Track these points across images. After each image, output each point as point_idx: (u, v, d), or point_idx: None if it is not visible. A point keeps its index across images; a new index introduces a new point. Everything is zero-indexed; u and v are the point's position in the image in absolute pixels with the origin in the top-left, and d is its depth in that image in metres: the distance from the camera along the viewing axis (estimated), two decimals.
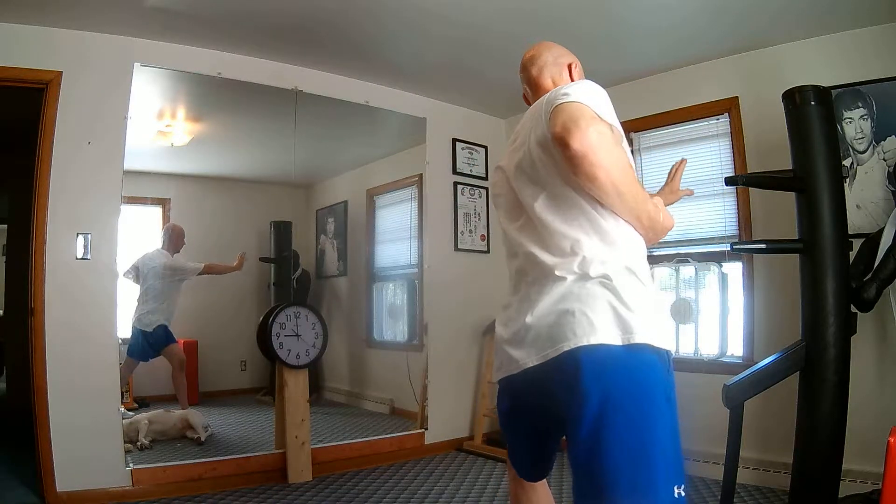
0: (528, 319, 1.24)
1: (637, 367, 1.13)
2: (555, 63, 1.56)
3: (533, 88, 1.57)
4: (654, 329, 1.16)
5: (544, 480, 1.54)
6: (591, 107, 1.16)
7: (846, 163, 2.84)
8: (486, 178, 4.21)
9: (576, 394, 1.12)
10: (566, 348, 1.15)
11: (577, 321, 1.15)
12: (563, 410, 1.17)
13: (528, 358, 1.23)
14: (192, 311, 3.77)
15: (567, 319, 1.16)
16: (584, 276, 1.20)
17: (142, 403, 3.59)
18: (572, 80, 1.51)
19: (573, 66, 1.56)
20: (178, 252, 3.65)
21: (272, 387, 3.54)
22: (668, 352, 1.18)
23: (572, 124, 1.11)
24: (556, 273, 1.22)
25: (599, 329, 1.14)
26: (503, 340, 1.34)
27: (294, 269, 3.86)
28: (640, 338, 1.13)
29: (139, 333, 3.51)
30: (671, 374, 1.18)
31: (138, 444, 3.15)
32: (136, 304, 3.53)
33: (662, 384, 1.15)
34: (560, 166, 1.23)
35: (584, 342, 1.13)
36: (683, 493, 1.11)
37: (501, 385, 1.40)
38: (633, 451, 1.09)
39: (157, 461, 2.99)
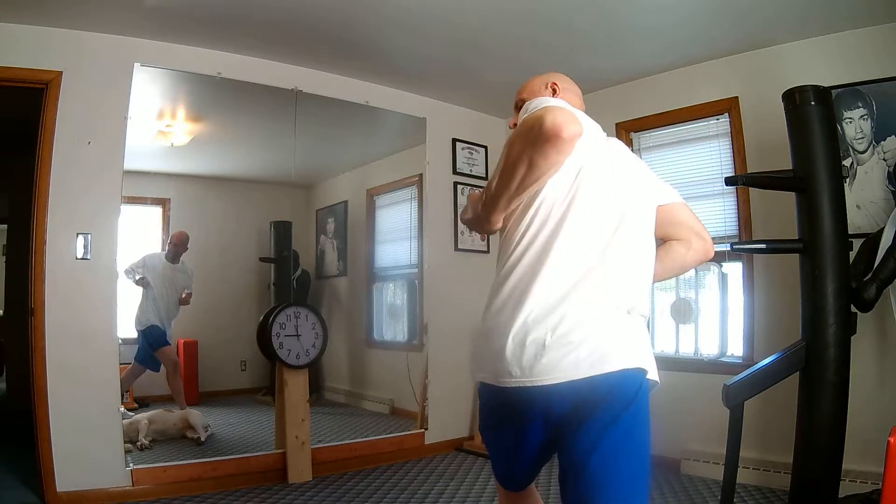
0: (550, 337, 1.18)
1: (645, 398, 1.25)
2: (531, 92, 1.60)
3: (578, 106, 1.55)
4: (651, 365, 1.28)
5: (532, 486, 1.51)
6: None
7: (846, 163, 2.84)
8: (486, 178, 4.21)
9: (606, 409, 1.18)
10: (610, 369, 1.18)
11: (620, 345, 1.21)
12: (582, 425, 1.18)
13: (559, 372, 1.17)
14: (192, 311, 3.76)
15: (609, 340, 1.21)
16: (625, 312, 1.27)
17: (142, 403, 3.59)
18: None
19: (556, 87, 1.61)
20: (178, 260, 3.65)
21: (272, 387, 3.54)
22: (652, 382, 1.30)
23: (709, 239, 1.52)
24: (607, 304, 1.23)
25: (643, 355, 1.25)
26: (512, 348, 1.20)
27: (294, 269, 3.86)
28: (654, 375, 1.28)
29: (139, 334, 3.51)
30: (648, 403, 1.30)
31: (138, 444, 3.15)
32: (144, 312, 3.55)
33: (645, 413, 1.27)
34: (648, 223, 1.38)
35: (629, 365, 1.20)
36: None
37: (492, 393, 1.28)
38: (635, 476, 1.24)
39: (157, 461, 2.99)
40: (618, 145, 1.41)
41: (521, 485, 1.46)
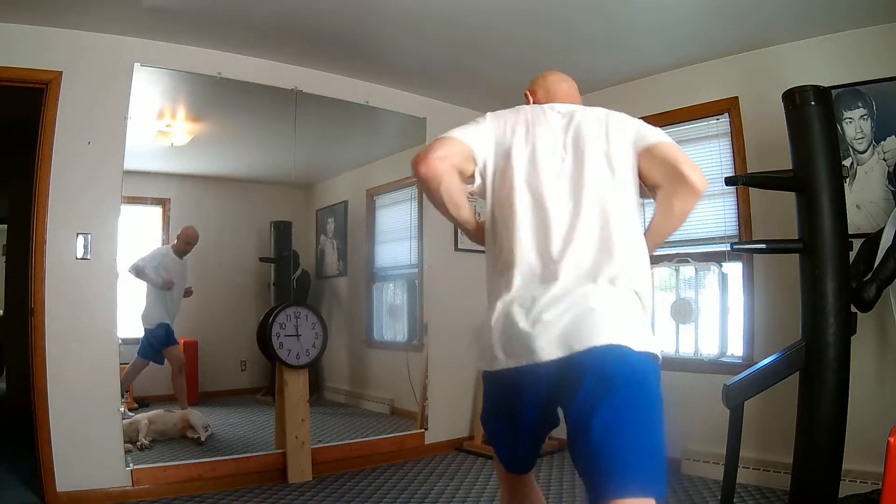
0: (548, 315, 1.22)
1: (651, 372, 1.21)
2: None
3: (561, 95, 1.60)
4: (657, 345, 1.26)
5: (533, 480, 1.53)
6: None
7: (846, 163, 2.84)
8: None
9: (600, 387, 1.15)
10: (596, 344, 1.18)
11: (608, 321, 1.21)
12: (577, 403, 1.17)
13: (547, 351, 1.20)
14: (192, 311, 3.76)
15: (597, 317, 1.21)
16: (614, 284, 1.27)
17: (142, 403, 3.59)
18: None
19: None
20: (184, 254, 3.65)
21: (272, 387, 3.54)
22: (657, 357, 1.26)
23: (697, 173, 1.33)
24: (591, 276, 1.27)
25: (630, 332, 1.21)
26: (510, 331, 1.26)
27: (294, 269, 3.86)
28: (654, 348, 1.24)
29: (146, 332, 3.52)
30: (658, 377, 1.26)
31: (138, 444, 3.15)
32: (152, 306, 3.55)
33: (655, 389, 1.22)
34: (628, 183, 1.36)
35: (615, 341, 1.18)
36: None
37: (496, 376, 1.33)
38: (646, 451, 1.15)
39: (157, 461, 2.99)
40: (584, 113, 1.44)
41: (519, 463, 1.47)
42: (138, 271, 3.43)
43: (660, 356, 1.25)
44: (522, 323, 1.24)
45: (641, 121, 1.44)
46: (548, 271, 1.29)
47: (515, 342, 1.24)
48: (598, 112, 1.45)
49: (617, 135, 1.38)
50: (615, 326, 1.19)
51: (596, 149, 1.37)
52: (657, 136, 1.39)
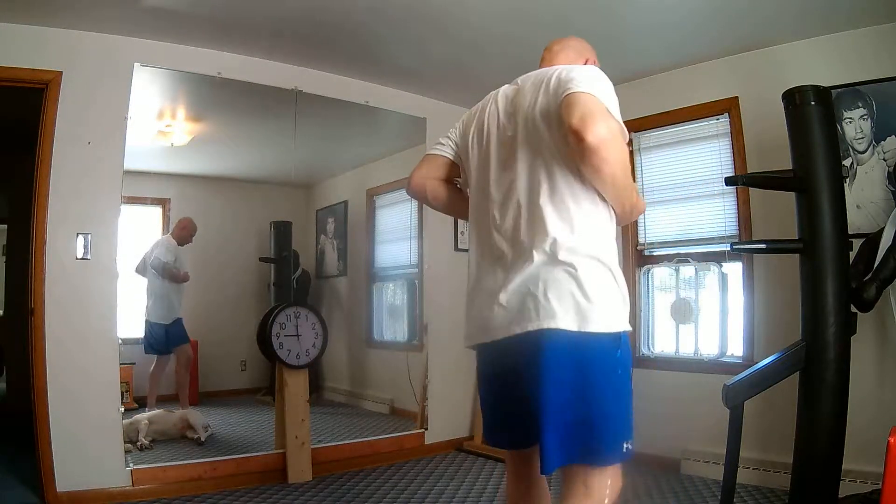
0: (502, 296, 1.33)
1: (592, 351, 1.26)
2: (576, 51, 1.63)
3: (544, 63, 1.59)
4: (610, 318, 1.27)
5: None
6: (602, 101, 1.24)
7: (846, 163, 2.84)
8: None
9: (535, 371, 1.26)
10: (529, 328, 1.27)
11: (541, 304, 1.26)
12: (525, 384, 1.29)
13: (498, 331, 1.34)
14: (192, 311, 3.76)
15: (532, 301, 1.28)
16: (552, 260, 1.28)
17: (142, 403, 3.59)
18: None
19: (589, 62, 1.61)
20: (184, 242, 3.66)
21: (272, 387, 3.54)
22: (622, 333, 1.30)
23: (589, 118, 1.18)
24: (530, 252, 1.31)
25: (559, 314, 1.25)
26: (481, 308, 1.40)
27: (294, 269, 3.86)
28: (595, 326, 1.25)
29: (157, 327, 3.52)
30: (624, 350, 1.31)
31: (138, 444, 3.15)
32: (149, 297, 3.55)
33: (613, 361, 1.29)
34: (560, 147, 1.30)
35: (545, 325, 1.25)
36: (630, 447, 1.31)
37: (476, 351, 1.49)
38: (586, 423, 1.26)
39: (157, 461, 2.99)
40: (530, 79, 1.43)
41: (509, 437, 1.50)
42: (163, 267, 3.46)
43: (604, 329, 1.26)
44: (479, 308, 1.40)
45: (581, 70, 1.35)
46: (493, 256, 1.40)
47: (476, 322, 1.41)
48: (544, 73, 1.40)
49: (545, 95, 1.33)
50: (545, 311, 1.25)
51: (526, 117, 1.37)
52: (574, 85, 1.26)
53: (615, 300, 1.29)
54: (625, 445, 1.30)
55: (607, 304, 1.27)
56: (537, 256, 1.29)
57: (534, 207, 1.32)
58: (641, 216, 3.60)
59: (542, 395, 1.25)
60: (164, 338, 3.55)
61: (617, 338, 1.28)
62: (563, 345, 1.25)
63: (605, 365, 1.28)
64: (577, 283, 1.26)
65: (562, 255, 1.27)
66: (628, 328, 1.31)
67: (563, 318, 1.24)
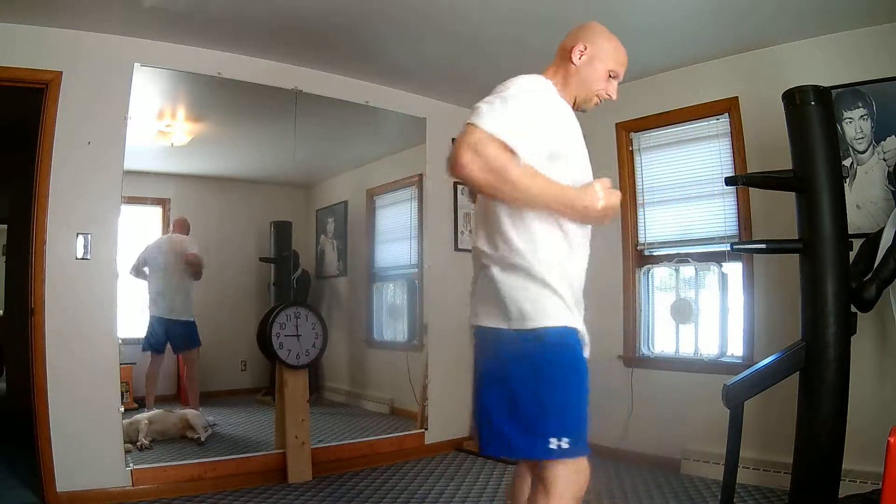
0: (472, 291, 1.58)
1: (520, 347, 1.40)
2: (561, 48, 1.63)
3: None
4: (538, 318, 1.40)
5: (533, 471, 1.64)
6: (479, 122, 1.33)
7: (846, 163, 2.84)
8: None
9: (477, 359, 1.51)
10: (473, 323, 1.52)
11: (483, 304, 1.48)
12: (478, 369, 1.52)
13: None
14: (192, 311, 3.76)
15: (476, 300, 1.52)
16: (497, 266, 1.46)
17: (142, 403, 3.59)
18: (572, 64, 1.57)
19: (575, 51, 1.58)
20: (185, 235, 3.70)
21: (272, 387, 3.54)
22: (547, 330, 1.40)
23: (452, 154, 1.32)
24: (483, 261, 1.51)
25: (494, 315, 1.45)
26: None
27: (294, 269, 3.85)
28: (517, 324, 1.41)
29: (166, 322, 3.54)
30: (555, 346, 1.41)
31: (138, 444, 3.15)
32: (159, 293, 3.57)
33: (538, 357, 1.40)
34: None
35: (482, 323, 1.48)
36: (567, 445, 1.37)
37: None
38: (515, 411, 1.40)
39: (157, 461, 2.99)
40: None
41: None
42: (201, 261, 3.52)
43: (537, 327, 1.40)
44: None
45: (493, 92, 1.45)
46: (475, 258, 1.58)
47: None
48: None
49: None
50: (487, 310, 1.46)
51: None
52: (470, 116, 1.38)
53: (542, 305, 1.41)
54: (553, 442, 1.36)
55: (535, 309, 1.41)
56: (485, 262, 1.54)
57: (489, 218, 1.53)
58: (641, 216, 3.62)
59: (482, 383, 1.58)
60: (164, 336, 3.55)
61: (541, 335, 1.40)
62: (497, 339, 1.46)
63: (527, 359, 1.41)
64: (510, 288, 1.43)
65: (489, 260, 1.50)
66: (549, 324, 1.40)
67: (498, 317, 1.45)
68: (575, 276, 1.48)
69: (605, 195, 1.39)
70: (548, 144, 1.40)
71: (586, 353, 1.47)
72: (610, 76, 1.60)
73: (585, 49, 1.58)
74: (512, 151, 1.30)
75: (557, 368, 1.40)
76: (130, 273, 3.30)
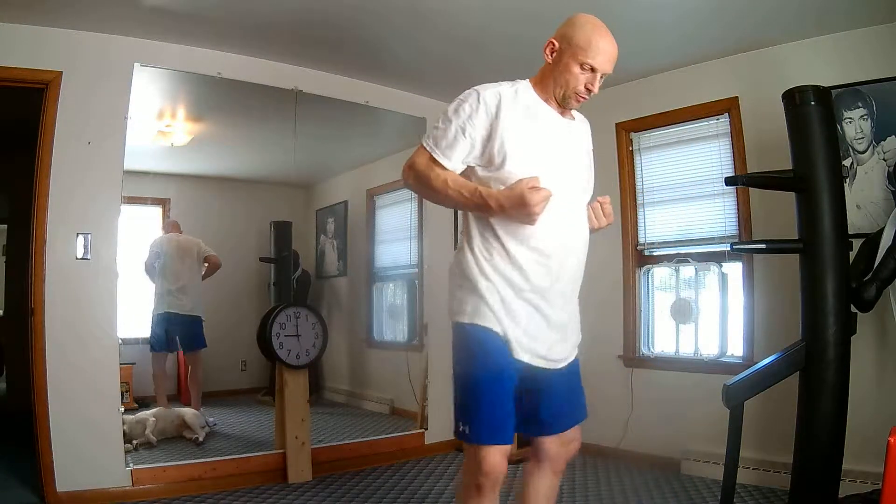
0: None
1: (455, 338, 1.60)
2: (546, 52, 1.66)
3: None
4: (458, 314, 1.58)
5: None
6: (422, 142, 1.55)
7: (846, 163, 2.84)
8: None
9: None
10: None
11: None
12: None
13: None
14: None
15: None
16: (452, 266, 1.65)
17: (142, 403, 3.58)
18: (547, 62, 1.63)
19: (546, 48, 1.63)
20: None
21: (272, 387, 3.54)
22: (463, 324, 1.56)
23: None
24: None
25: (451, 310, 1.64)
26: None
27: (294, 269, 3.85)
28: (451, 317, 1.61)
29: (175, 318, 3.55)
30: (469, 340, 1.56)
31: (145, 439, 3.15)
32: (170, 289, 3.57)
33: (458, 348, 1.59)
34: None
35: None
36: (467, 431, 1.52)
37: None
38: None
39: (157, 461, 2.99)
40: None
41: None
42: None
43: (461, 320, 1.57)
44: None
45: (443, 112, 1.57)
46: None
47: None
48: None
49: None
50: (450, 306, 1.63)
51: None
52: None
53: (466, 301, 1.56)
54: (459, 427, 1.53)
55: (460, 304, 1.57)
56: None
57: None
58: (641, 216, 3.62)
59: None
60: (172, 333, 3.55)
61: (460, 329, 1.57)
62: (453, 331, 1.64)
63: (456, 351, 1.60)
64: (451, 285, 1.64)
65: (455, 264, 1.67)
66: (466, 321, 1.55)
67: (452, 313, 1.63)
68: (514, 275, 1.52)
69: (527, 194, 1.43)
70: (487, 150, 1.51)
71: (520, 356, 1.54)
72: (583, 69, 1.55)
73: (555, 45, 1.60)
74: (440, 164, 1.51)
75: (458, 363, 1.59)
76: (145, 270, 3.34)
